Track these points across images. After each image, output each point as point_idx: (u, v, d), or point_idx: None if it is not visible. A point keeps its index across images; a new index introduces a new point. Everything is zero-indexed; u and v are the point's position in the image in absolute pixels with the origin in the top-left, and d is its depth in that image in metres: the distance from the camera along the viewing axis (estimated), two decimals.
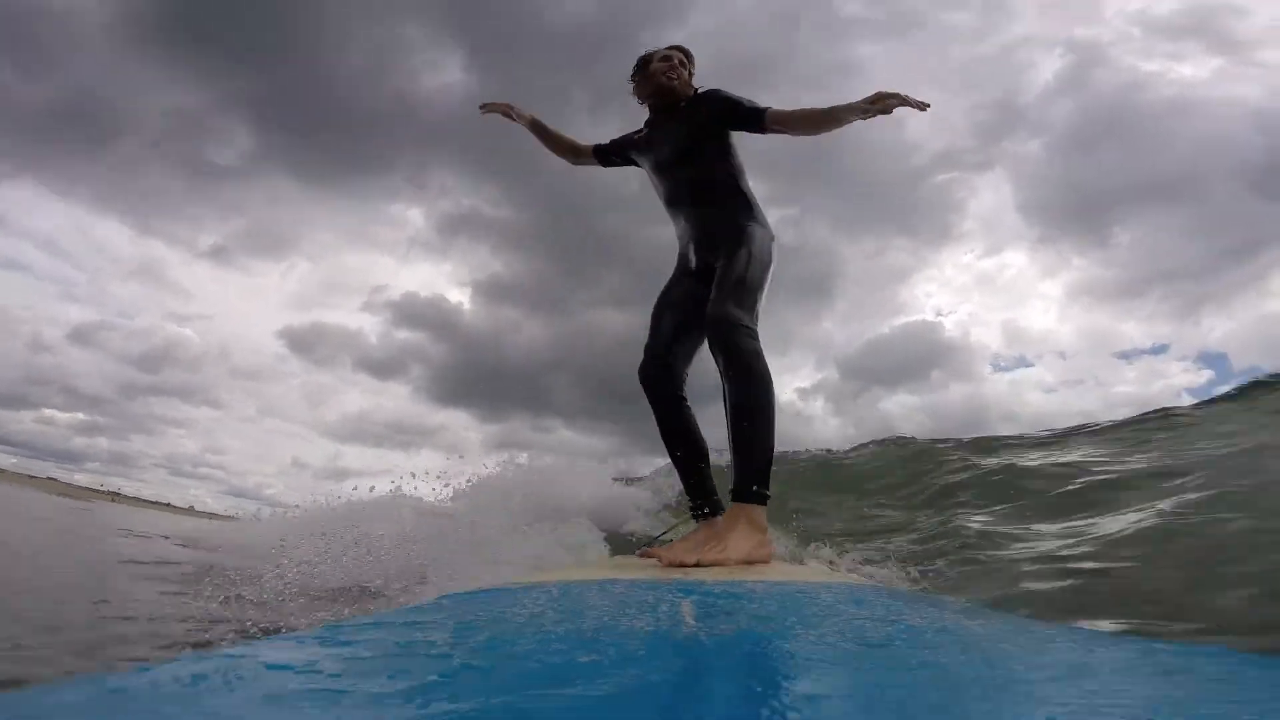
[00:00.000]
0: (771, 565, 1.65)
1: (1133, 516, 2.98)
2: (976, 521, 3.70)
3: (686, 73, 2.30)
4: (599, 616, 0.85)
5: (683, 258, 2.22)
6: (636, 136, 2.40)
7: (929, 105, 1.74)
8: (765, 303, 1.98)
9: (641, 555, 1.93)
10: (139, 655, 1.84)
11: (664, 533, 2.90)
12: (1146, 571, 2.36)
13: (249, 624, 2.19)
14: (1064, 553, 2.76)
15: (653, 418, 2.13)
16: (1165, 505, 2.97)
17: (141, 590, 3.08)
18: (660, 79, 2.27)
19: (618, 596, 1.02)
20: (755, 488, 1.75)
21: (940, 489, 5.19)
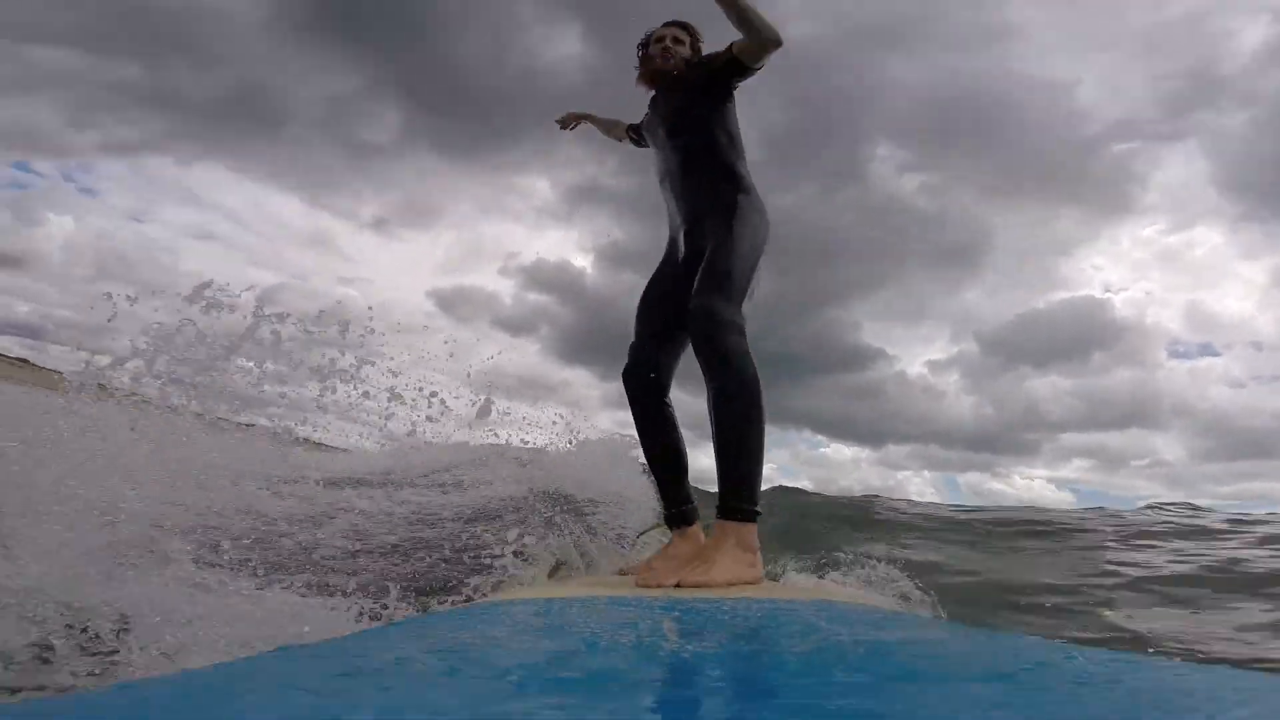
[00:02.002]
0: (760, 586, 1.54)
1: None
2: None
3: (686, 48, 2.13)
4: (581, 633, 0.85)
5: (672, 244, 2.06)
6: (645, 117, 2.24)
7: None
8: (756, 291, 1.81)
9: (619, 574, 1.85)
10: None
11: (640, 534, 2.71)
12: None
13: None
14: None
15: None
16: None
17: None
18: (655, 63, 2.12)
19: (599, 614, 1.02)
20: (743, 504, 1.59)
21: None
